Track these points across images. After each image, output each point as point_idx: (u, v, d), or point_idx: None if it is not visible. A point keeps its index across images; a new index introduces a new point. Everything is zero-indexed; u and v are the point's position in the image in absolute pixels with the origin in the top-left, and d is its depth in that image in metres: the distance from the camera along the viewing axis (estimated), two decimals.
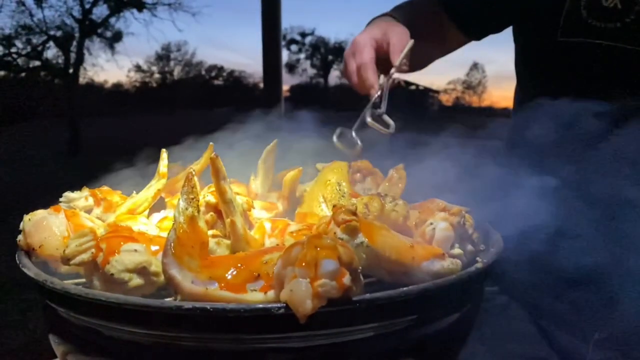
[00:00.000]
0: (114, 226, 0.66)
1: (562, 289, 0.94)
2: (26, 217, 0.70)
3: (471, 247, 0.68)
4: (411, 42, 0.92)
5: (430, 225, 0.66)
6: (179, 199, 0.61)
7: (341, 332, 0.56)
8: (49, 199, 0.80)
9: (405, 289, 0.55)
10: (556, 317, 0.95)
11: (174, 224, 0.59)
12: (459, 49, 1.17)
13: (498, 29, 1.10)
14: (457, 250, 0.65)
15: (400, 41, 0.90)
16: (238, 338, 0.54)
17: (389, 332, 0.58)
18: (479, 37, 1.12)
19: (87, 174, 0.96)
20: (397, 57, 0.89)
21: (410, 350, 0.61)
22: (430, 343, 0.63)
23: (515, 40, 1.10)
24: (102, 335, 0.59)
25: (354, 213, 0.62)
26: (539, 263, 0.86)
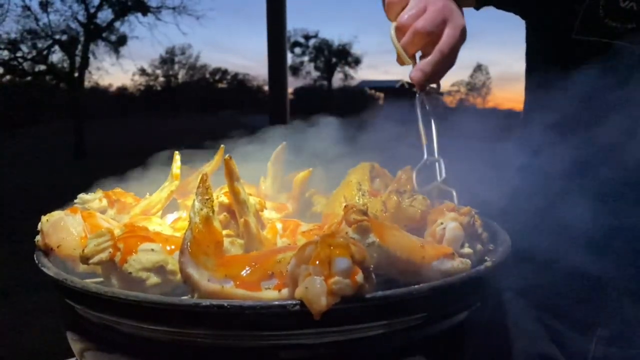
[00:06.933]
0: (130, 226, 0.68)
1: (565, 285, 0.95)
2: (44, 218, 0.72)
3: (480, 246, 0.70)
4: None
5: (441, 225, 0.67)
6: (194, 200, 0.63)
7: (352, 329, 0.57)
8: (56, 201, 0.82)
9: (416, 286, 0.56)
10: (560, 314, 0.96)
11: (190, 224, 0.60)
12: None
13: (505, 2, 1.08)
14: (467, 250, 0.66)
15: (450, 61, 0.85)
16: (253, 335, 0.55)
17: (399, 329, 0.59)
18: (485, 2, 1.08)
19: (92, 176, 0.98)
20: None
21: (420, 347, 0.62)
22: (440, 340, 0.64)
23: (528, 37, 1.10)
24: (119, 332, 0.61)
25: (365, 213, 0.63)
26: (543, 259, 0.87)
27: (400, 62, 0.87)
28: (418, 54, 0.87)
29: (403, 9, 0.85)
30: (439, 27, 0.82)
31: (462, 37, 0.84)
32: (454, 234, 0.67)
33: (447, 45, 0.82)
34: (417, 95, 0.85)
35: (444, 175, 0.80)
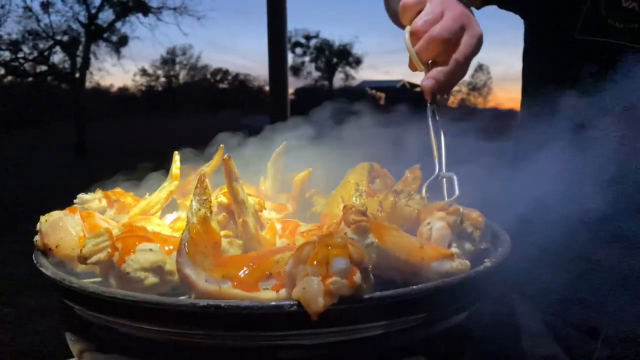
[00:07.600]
0: (128, 226, 0.68)
1: (570, 286, 0.94)
2: (43, 218, 0.72)
3: (470, 246, 0.68)
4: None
5: (428, 225, 0.67)
6: (191, 200, 0.63)
7: (351, 329, 0.57)
8: (58, 201, 0.82)
9: (415, 287, 0.56)
10: (564, 314, 0.96)
11: (187, 224, 0.60)
12: None
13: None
14: (454, 249, 0.65)
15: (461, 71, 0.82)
16: (250, 335, 0.55)
17: (398, 330, 0.59)
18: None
19: (94, 176, 0.98)
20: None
21: (420, 348, 0.62)
22: (440, 341, 0.64)
23: (527, 37, 1.10)
24: (118, 333, 0.61)
25: (364, 213, 0.63)
26: (547, 258, 0.87)
27: (413, 68, 0.85)
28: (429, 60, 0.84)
29: (418, 13, 0.83)
30: (456, 35, 0.79)
31: (478, 46, 0.82)
32: (440, 234, 0.66)
33: (463, 55, 0.79)
34: (428, 106, 0.82)
35: (457, 192, 0.75)
